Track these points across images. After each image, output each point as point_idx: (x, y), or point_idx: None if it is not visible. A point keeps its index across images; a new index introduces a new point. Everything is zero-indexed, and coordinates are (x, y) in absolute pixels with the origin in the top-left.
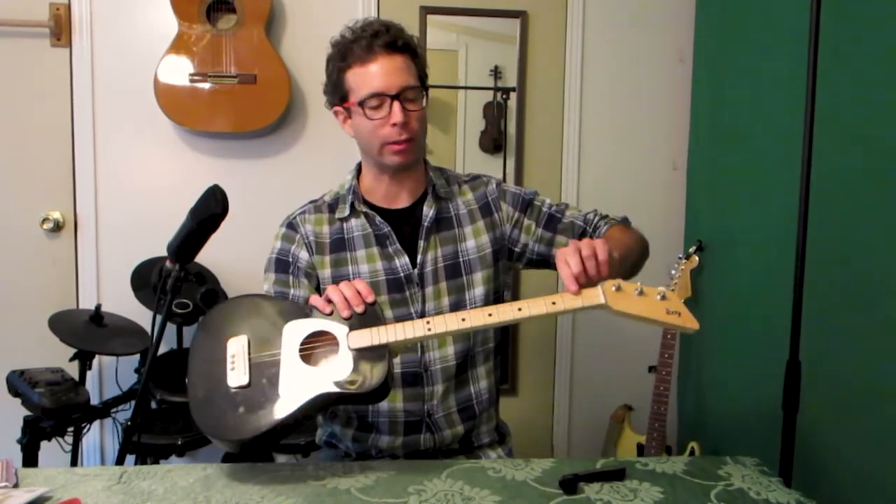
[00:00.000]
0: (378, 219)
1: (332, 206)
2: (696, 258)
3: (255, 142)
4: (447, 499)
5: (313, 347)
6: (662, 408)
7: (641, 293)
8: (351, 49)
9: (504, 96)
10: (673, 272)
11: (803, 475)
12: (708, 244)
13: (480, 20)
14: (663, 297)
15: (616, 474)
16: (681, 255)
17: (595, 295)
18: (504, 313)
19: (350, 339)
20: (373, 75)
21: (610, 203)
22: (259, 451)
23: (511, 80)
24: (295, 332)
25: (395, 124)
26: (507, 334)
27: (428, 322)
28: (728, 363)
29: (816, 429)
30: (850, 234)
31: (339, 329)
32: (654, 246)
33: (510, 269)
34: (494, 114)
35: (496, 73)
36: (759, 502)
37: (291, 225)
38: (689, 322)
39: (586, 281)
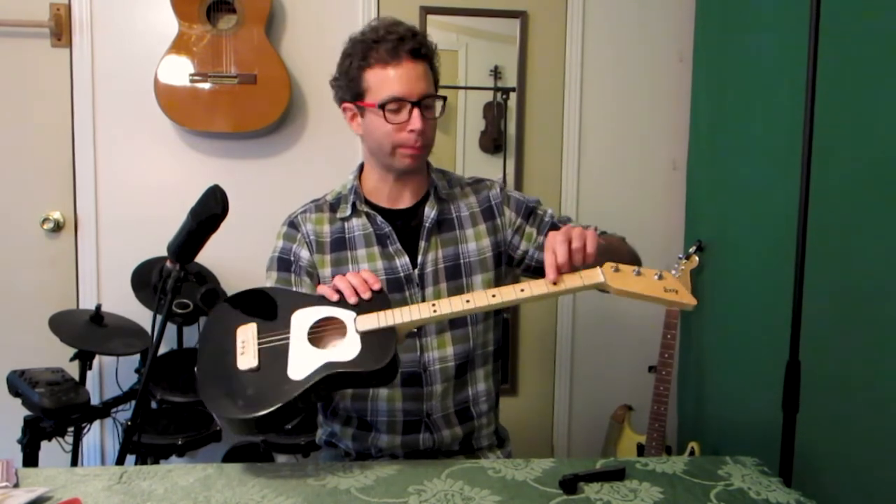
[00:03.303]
0: (379, 219)
1: (334, 206)
2: (696, 258)
3: (255, 142)
4: (447, 499)
5: (322, 332)
6: (662, 408)
7: (639, 274)
8: (375, 49)
9: (504, 96)
10: (673, 272)
11: (803, 475)
12: (708, 244)
13: (480, 20)
14: (660, 277)
15: (616, 474)
16: (681, 255)
17: (595, 274)
18: (507, 294)
19: (357, 323)
20: (396, 79)
21: (610, 203)
22: (268, 430)
23: (511, 80)
24: (303, 318)
25: (412, 130)
26: (507, 335)
27: (433, 304)
28: (728, 363)
29: (816, 429)
30: (850, 234)
31: (346, 314)
32: (653, 246)
33: (509, 274)
34: (494, 114)
35: (496, 73)
36: (759, 502)
37: (293, 224)
38: (687, 298)
39: (567, 270)
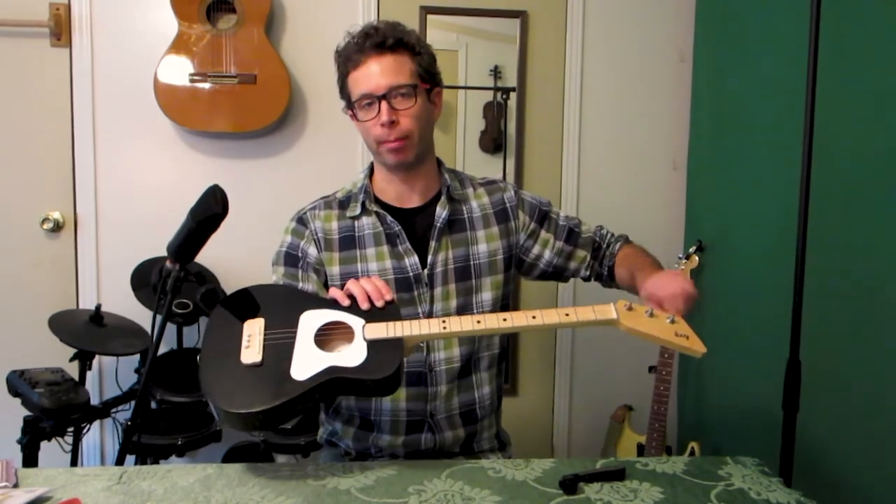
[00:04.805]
0: (389, 218)
1: (343, 203)
2: (696, 258)
3: (255, 142)
4: (447, 499)
5: (329, 336)
6: (662, 408)
7: (652, 315)
8: (348, 54)
9: (504, 96)
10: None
11: (803, 475)
12: (708, 244)
13: (480, 20)
14: (673, 321)
15: (616, 474)
16: (681, 255)
17: (607, 311)
18: (518, 319)
19: (366, 331)
20: (363, 77)
21: (610, 203)
22: (264, 427)
23: (511, 80)
24: (312, 319)
25: (383, 124)
26: (508, 334)
27: (443, 321)
28: (728, 363)
29: (816, 429)
30: (850, 234)
31: (355, 321)
32: (654, 246)
33: (515, 278)
34: (494, 114)
35: (496, 73)
36: (759, 502)
37: (302, 220)
38: (697, 345)
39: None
